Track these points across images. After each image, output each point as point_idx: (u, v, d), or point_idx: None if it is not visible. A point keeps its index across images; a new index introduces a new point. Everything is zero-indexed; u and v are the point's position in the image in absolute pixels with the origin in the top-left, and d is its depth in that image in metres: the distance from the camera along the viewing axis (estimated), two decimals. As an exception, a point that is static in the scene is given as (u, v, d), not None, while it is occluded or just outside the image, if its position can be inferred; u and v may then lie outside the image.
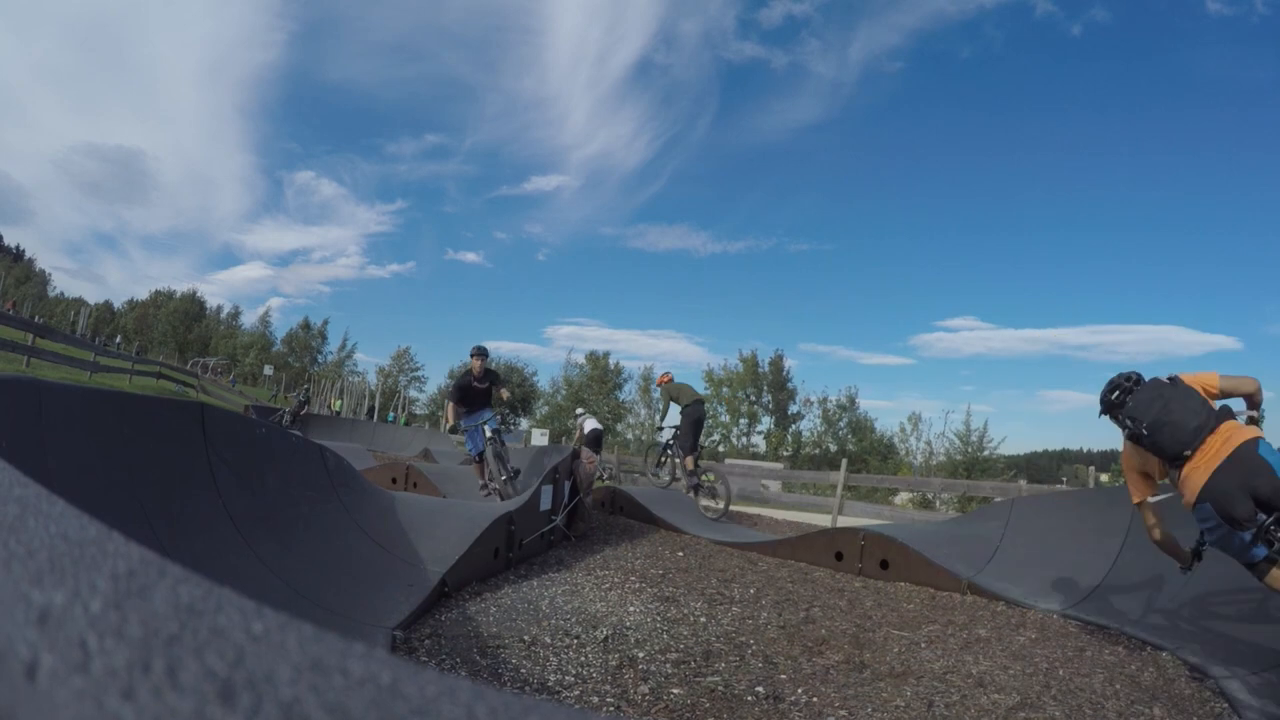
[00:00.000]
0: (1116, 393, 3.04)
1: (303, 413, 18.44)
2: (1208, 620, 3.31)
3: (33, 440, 1.96)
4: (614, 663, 2.63)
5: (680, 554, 5.24)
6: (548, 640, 2.81)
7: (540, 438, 23.31)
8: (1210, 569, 3.65)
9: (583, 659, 2.64)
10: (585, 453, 6.37)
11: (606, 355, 38.34)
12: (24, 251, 72.87)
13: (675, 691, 2.40)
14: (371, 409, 32.83)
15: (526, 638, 2.80)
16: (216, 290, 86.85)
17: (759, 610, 3.66)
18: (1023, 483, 12.93)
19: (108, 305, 60.73)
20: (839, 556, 5.01)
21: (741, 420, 35.68)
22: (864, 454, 30.83)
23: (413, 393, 44.19)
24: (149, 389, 16.87)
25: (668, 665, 2.67)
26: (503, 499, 7.05)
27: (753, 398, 35.69)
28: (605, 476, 13.49)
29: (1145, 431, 2.85)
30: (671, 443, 8.45)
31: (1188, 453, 2.74)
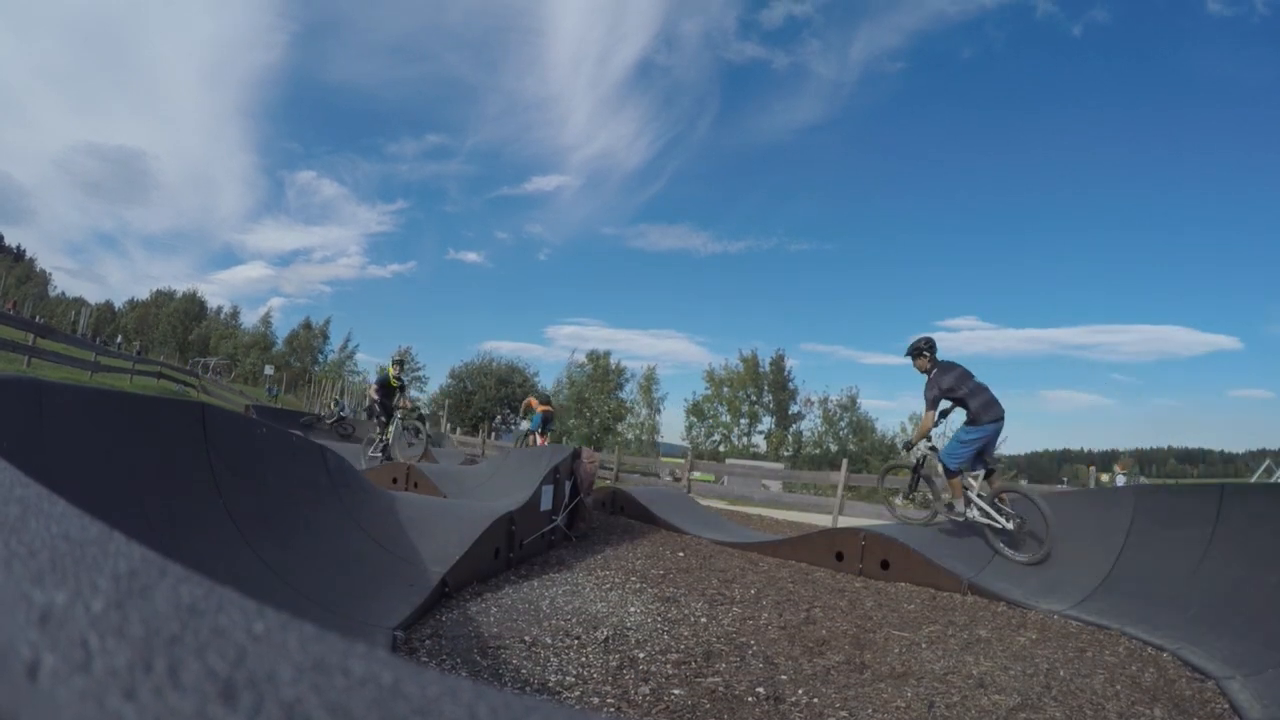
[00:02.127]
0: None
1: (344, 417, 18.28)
2: (1209, 621, 3.31)
3: (34, 440, 1.96)
4: (615, 663, 2.63)
5: (681, 554, 5.24)
6: (548, 640, 2.81)
7: (541, 438, 23.25)
8: (1214, 572, 3.65)
9: (583, 659, 2.64)
10: (586, 452, 6.37)
11: (607, 354, 38.32)
12: (25, 251, 73.04)
13: (676, 692, 2.40)
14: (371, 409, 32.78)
15: (527, 638, 2.80)
16: (217, 290, 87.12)
17: (760, 611, 3.66)
18: (1024, 483, 12.92)
19: (108, 305, 60.83)
20: (840, 557, 5.00)
21: (742, 420, 35.66)
22: (865, 454, 30.80)
23: (414, 393, 44.14)
24: (150, 389, 16.87)
25: (668, 666, 2.67)
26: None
27: (753, 397, 35.66)
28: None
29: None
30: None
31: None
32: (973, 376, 5.44)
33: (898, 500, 6.40)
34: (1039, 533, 4.84)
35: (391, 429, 9.82)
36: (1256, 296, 74.98)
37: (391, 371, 9.97)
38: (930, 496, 6.02)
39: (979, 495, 5.26)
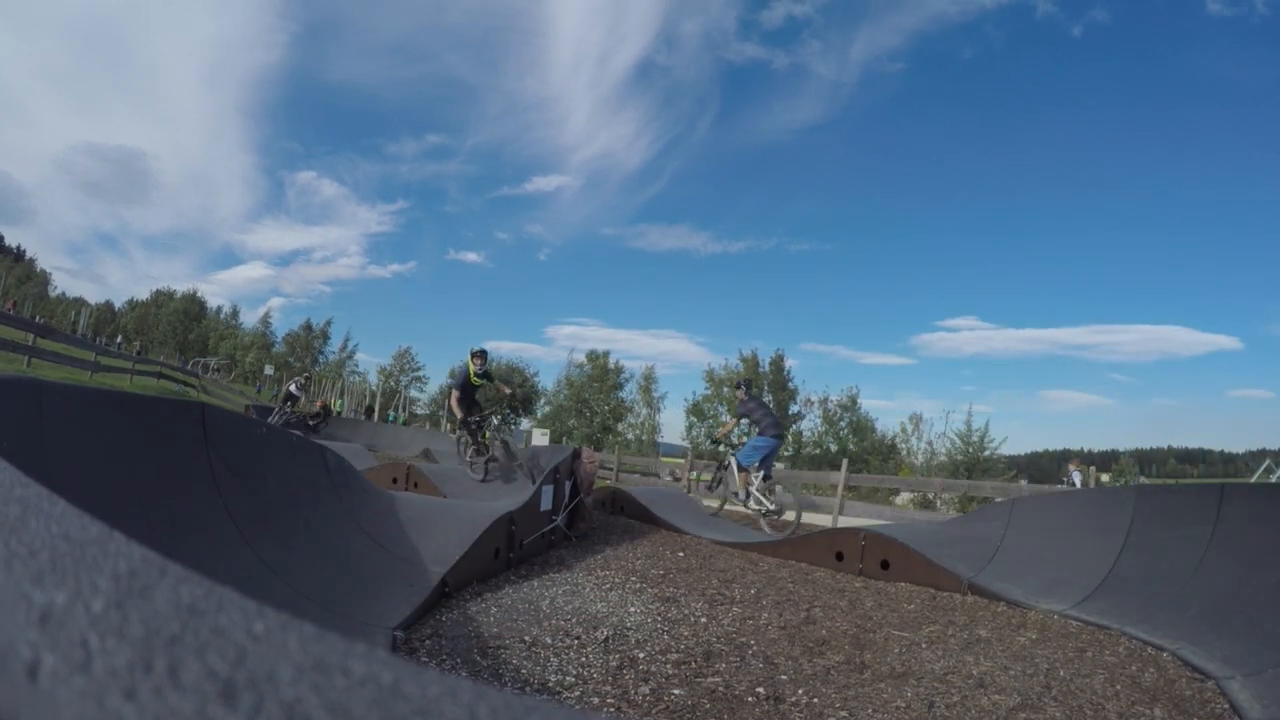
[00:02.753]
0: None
1: (294, 408, 17.35)
2: (1209, 621, 3.31)
3: (34, 440, 1.96)
4: (614, 663, 2.63)
5: (681, 554, 5.24)
6: (548, 640, 2.81)
7: (541, 438, 23.29)
8: (1214, 572, 3.65)
9: (583, 659, 2.64)
10: (586, 452, 6.38)
11: (606, 354, 38.27)
12: (25, 251, 73.07)
13: (676, 692, 2.40)
14: (370, 408, 32.80)
15: (527, 638, 2.80)
16: (217, 290, 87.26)
17: (760, 610, 3.66)
18: (1024, 483, 12.93)
19: (108, 305, 60.89)
20: (840, 557, 5.00)
21: (743, 420, 35.62)
22: (865, 454, 30.79)
23: (414, 393, 44.14)
24: (150, 389, 16.87)
25: (668, 666, 2.67)
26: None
27: (753, 398, 35.62)
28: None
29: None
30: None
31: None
32: (765, 407, 8.22)
33: (706, 500, 8.74)
34: (791, 512, 7.56)
35: (488, 434, 8.21)
36: (1256, 296, 75.12)
37: (473, 367, 8.35)
38: (725, 489, 8.40)
39: (756, 490, 7.76)
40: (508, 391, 8.98)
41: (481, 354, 8.40)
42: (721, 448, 8.64)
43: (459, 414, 8.25)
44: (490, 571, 3.88)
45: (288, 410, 16.76)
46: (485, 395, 8.44)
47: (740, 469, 7.88)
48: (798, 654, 2.96)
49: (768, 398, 36.73)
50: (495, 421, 8.43)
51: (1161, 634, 3.35)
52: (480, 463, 8.02)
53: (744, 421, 8.22)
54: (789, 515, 7.64)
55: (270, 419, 15.10)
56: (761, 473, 7.81)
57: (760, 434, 7.94)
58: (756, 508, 7.74)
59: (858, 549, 4.91)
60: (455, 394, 8.32)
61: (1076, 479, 12.40)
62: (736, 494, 7.96)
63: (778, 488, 7.92)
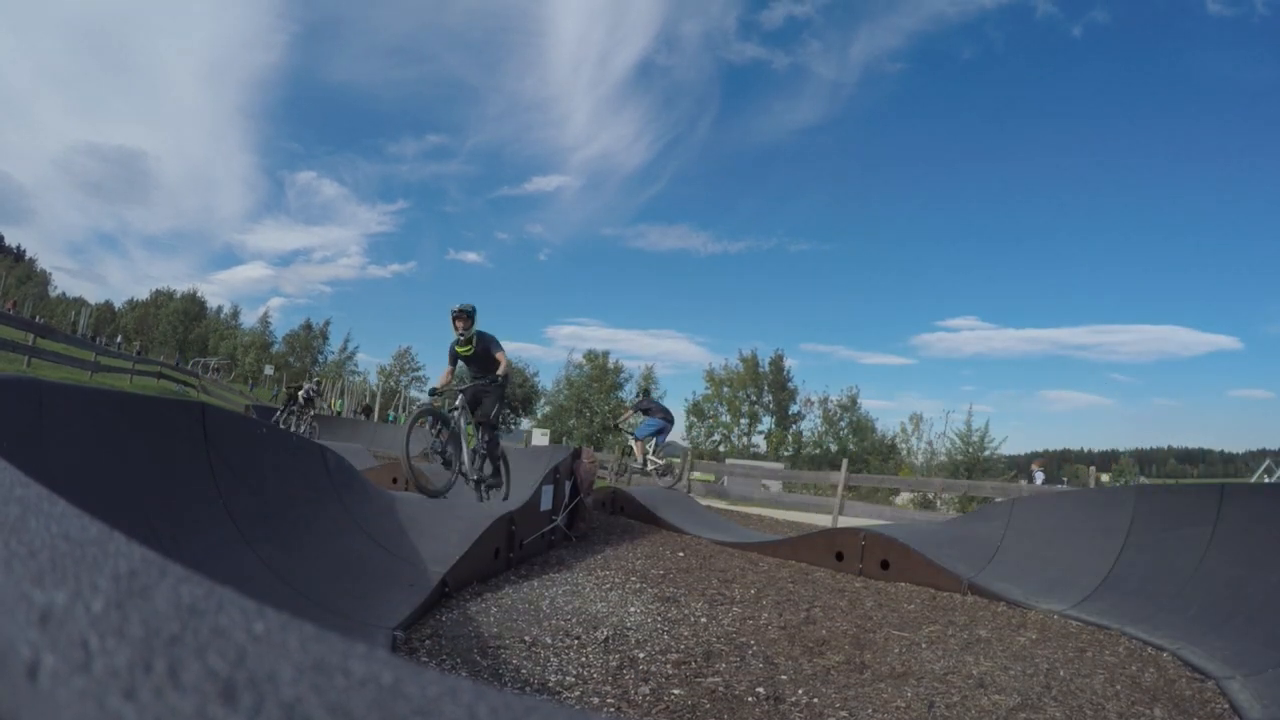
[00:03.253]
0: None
1: (306, 405, 15.80)
2: (1209, 621, 3.31)
3: (34, 440, 1.96)
4: (615, 663, 2.63)
5: (681, 554, 5.24)
6: (548, 640, 2.80)
7: (541, 438, 23.28)
8: (1214, 572, 3.65)
9: (583, 659, 2.64)
10: (586, 452, 6.37)
11: (606, 354, 38.25)
12: (25, 251, 72.93)
13: (676, 692, 2.40)
14: (369, 408, 32.80)
15: (527, 638, 2.80)
16: (217, 290, 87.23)
17: (760, 611, 3.66)
18: (1024, 483, 12.95)
19: (108, 305, 60.84)
20: (840, 557, 5.00)
21: (742, 420, 35.63)
22: (865, 454, 30.79)
23: (414, 393, 44.15)
24: (150, 389, 16.86)
25: (668, 666, 2.67)
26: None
27: (753, 398, 35.64)
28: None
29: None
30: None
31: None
32: (658, 403, 11.46)
33: (617, 467, 12.92)
34: (678, 473, 11.21)
35: (474, 435, 5.67)
36: (1256, 296, 75.11)
37: (455, 332, 5.61)
38: (632, 463, 11.55)
39: (650, 455, 10.82)
40: (501, 361, 5.69)
41: (463, 313, 5.56)
42: (624, 431, 12.14)
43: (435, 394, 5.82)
44: (490, 571, 3.88)
45: (309, 415, 16.21)
46: (484, 369, 5.75)
47: (636, 439, 11.10)
48: (798, 654, 2.96)
49: (766, 398, 37.10)
50: (459, 402, 5.52)
51: (1161, 634, 3.35)
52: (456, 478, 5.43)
53: (640, 414, 11.45)
54: (676, 464, 11.40)
55: (303, 431, 14.52)
56: (654, 442, 10.97)
57: (651, 418, 11.25)
58: (651, 469, 10.91)
59: (858, 549, 4.91)
60: (448, 369, 5.80)
61: (1039, 479, 12.71)
62: (637, 461, 11.13)
63: (665, 455, 11.27)
